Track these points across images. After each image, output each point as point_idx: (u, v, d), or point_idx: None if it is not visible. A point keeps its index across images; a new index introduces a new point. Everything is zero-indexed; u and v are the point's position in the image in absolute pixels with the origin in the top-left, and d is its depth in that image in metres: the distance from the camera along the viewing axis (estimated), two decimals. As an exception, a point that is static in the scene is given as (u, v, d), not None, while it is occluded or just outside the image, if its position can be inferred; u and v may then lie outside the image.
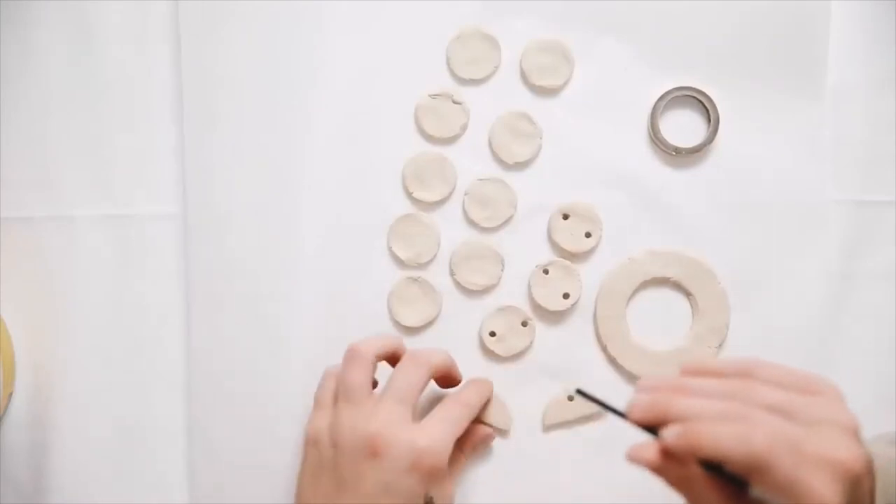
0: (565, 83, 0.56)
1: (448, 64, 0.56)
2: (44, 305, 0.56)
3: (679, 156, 0.56)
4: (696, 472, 0.37)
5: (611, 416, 0.54)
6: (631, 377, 0.56)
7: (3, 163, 0.56)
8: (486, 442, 0.55)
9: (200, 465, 0.56)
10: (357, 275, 0.56)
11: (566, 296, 0.56)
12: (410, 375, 0.49)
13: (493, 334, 0.56)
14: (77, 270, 0.57)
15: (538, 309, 0.56)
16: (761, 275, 0.56)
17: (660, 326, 0.56)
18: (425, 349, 0.51)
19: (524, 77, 0.56)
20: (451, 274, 0.56)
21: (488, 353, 0.56)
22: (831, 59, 0.55)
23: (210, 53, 0.55)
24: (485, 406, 0.54)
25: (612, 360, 0.56)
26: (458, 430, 0.49)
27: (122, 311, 0.57)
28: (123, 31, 0.56)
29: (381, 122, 0.56)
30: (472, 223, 0.56)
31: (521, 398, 0.56)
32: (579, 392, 0.44)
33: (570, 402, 0.56)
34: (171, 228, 0.56)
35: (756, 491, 0.36)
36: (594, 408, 0.55)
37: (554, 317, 0.56)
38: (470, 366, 0.55)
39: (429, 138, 0.56)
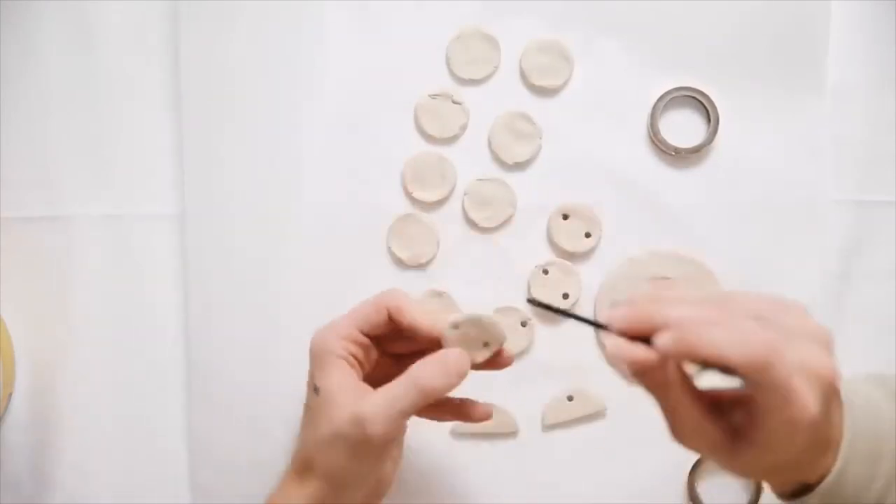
0: (565, 83, 0.56)
1: (448, 64, 0.56)
2: (44, 305, 0.56)
3: (679, 156, 0.56)
4: (677, 376, 0.37)
5: (611, 412, 0.56)
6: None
7: (3, 163, 0.56)
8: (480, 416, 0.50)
9: (201, 464, 0.56)
10: (356, 275, 0.56)
11: (566, 296, 0.56)
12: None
13: None
14: (77, 270, 0.57)
15: (538, 309, 0.55)
16: (761, 275, 0.56)
17: None
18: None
19: (524, 77, 0.56)
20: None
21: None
22: (831, 58, 0.56)
23: (209, 54, 0.55)
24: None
25: (612, 360, 0.56)
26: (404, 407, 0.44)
27: (122, 310, 0.57)
28: (123, 31, 0.56)
29: (380, 122, 0.56)
30: (471, 223, 0.56)
31: (521, 398, 0.56)
32: (531, 301, 0.43)
33: (569, 402, 0.56)
34: (171, 228, 0.56)
35: (747, 387, 0.36)
36: (594, 408, 0.55)
37: (553, 317, 0.56)
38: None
39: (428, 138, 0.56)
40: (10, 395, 0.56)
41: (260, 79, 0.56)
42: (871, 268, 0.56)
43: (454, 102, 0.56)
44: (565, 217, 0.56)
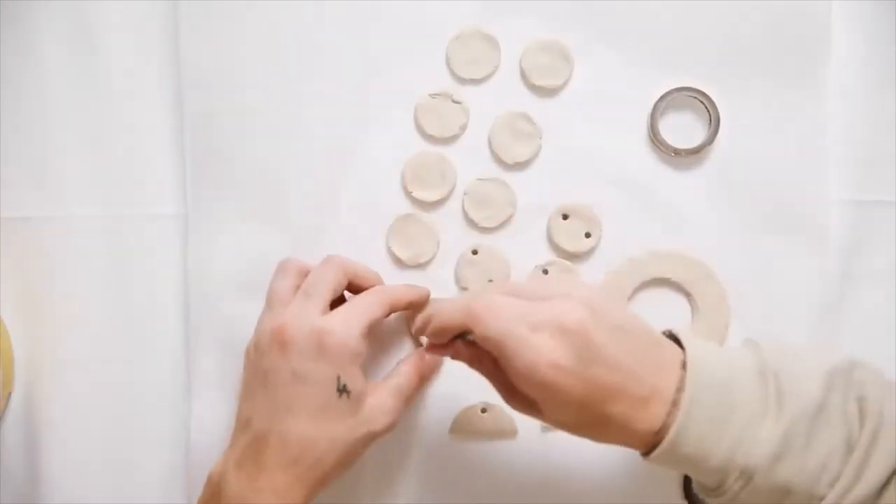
0: (565, 83, 0.56)
1: (448, 63, 0.56)
2: (43, 306, 0.56)
3: (679, 156, 0.56)
4: (456, 344, 0.46)
5: None
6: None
7: (3, 163, 0.56)
8: (432, 369, 0.55)
9: (201, 467, 0.54)
10: None
11: None
12: (320, 274, 0.50)
13: None
14: (76, 270, 0.57)
15: None
16: (761, 275, 0.56)
17: (659, 327, 0.54)
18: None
19: (524, 77, 0.56)
20: (456, 282, 0.56)
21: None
22: (833, 58, 0.55)
23: (210, 53, 0.55)
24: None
25: (612, 361, 0.56)
26: (368, 316, 0.49)
27: (122, 311, 0.57)
28: (123, 30, 0.56)
29: (380, 122, 0.56)
30: (471, 223, 0.56)
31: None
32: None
33: None
34: (171, 229, 0.56)
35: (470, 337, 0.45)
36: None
37: None
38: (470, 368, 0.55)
39: (428, 138, 0.56)
40: (10, 394, 0.56)
41: (260, 78, 0.56)
42: (872, 268, 0.56)
43: (454, 102, 0.56)
44: (565, 217, 0.56)
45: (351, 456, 0.48)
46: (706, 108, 0.56)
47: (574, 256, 0.56)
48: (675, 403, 0.41)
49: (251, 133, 0.56)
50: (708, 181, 0.56)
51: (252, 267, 0.55)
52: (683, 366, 0.42)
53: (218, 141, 0.56)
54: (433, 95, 0.56)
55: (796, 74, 0.55)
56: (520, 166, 0.56)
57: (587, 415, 0.41)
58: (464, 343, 0.46)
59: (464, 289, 0.56)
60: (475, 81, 0.56)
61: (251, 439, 0.47)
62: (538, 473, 0.56)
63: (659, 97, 0.55)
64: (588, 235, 0.56)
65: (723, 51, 0.55)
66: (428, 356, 0.52)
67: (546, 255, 0.56)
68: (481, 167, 0.56)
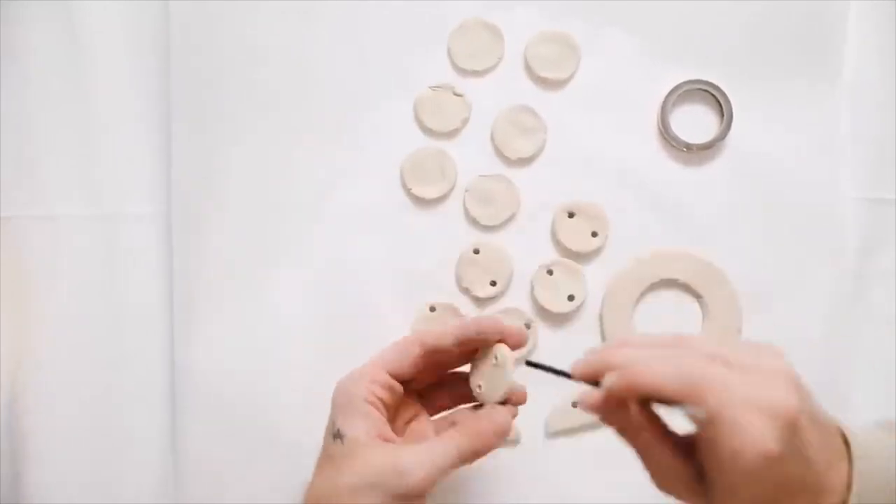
0: (571, 76, 0.56)
1: (449, 55, 0.56)
2: (27, 306, 0.56)
3: (690, 152, 0.55)
4: (634, 409, 0.39)
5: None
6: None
7: (-15, 162, 0.56)
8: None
9: (186, 472, 0.55)
10: (351, 275, 0.56)
11: (571, 298, 0.55)
12: (388, 347, 0.47)
13: None
14: (60, 270, 0.56)
15: (542, 311, 0.55)
16: (775, 276, 0.55)
17: (668, 330, 0.54)
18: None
19: (528, 69, 0.56)
20: (457, 282, 0.56)
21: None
22: (849, 51, 0.55)
23: (200, 46, 0.55)
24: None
25: (619, 365, 0.55)
26: (383, 363, 0.46)
27: (106, 311, 0.56)
28: (109, 29, 0.56)
29: (378, 116, 0.56)
30: (472, 221, 0.56)
31: (524, 404, 0.54)
32: (528, 363, 0.45)
33: (574, 409, 0.55)
34: (156, 228, 0.56)
35: (689, 411, 0.37)
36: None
37: (558, 319, 0.56)
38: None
39: (428, 132, 0.56)
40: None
41: (251, 73, 0.55)
42: (887, 267, 0.56)
43: (455, 95, 0.55)
44: (571, 215, 0.55)
45: None
46: (718, 101, 0.55)
47: (580, 256, 0.56)
48: (843, 501, 0.38)
49: (241, 129, 0.55)
50: (720, 178, 0.56)
51: (240, 268, 0.55)
52: (848, 458, 0.39)
53: (206, 138, 0.55)
54: (433, 88, 0.55)
55: (812, 67, 0.55)
56: (523, 162, 0.56)
57: None
58: (646, 412, 0.40)
59: (465, 289, 0.55)
60: (477, 73, 0.56)
61: None
62: (541, 482, 0.55)
63: (669, 90, 0.55)
64: (594, 234, 0.55)
65: (736, 42, 0.55)
66: (506, 414, 0.45)
67: (550, 255, 0.56)
68: (483, 163, 0.56)
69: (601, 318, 0.55)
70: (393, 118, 0.56)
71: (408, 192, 0.55)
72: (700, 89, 0.55)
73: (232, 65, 0.55)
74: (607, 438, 0.54)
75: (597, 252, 0.56)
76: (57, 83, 0.56)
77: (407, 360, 0.45)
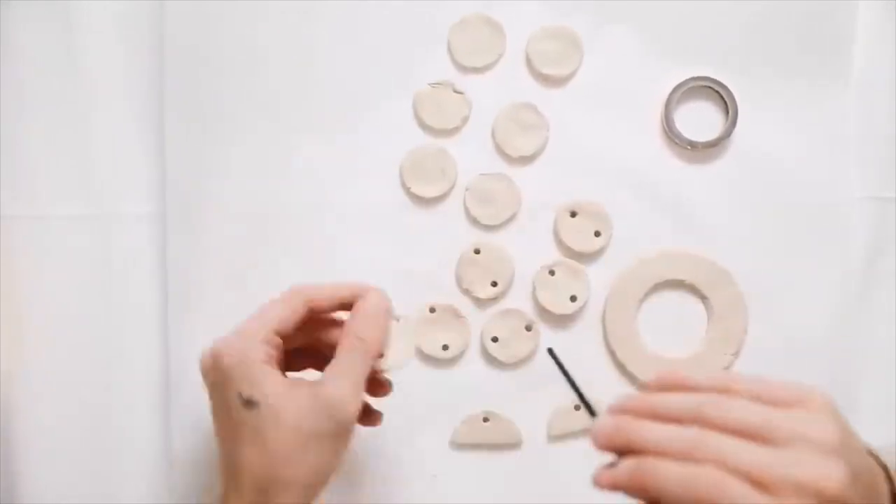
0: (574, 72, 0.55)
1: (449, 51, 0.55)
2: (18, 307, 0.56)
3: (694, 150, 0.55)
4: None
5: None
6: (641, 385, 0.55)
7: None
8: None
9: (181, 474, 0.55)
10: (349, 276, 0.54)
11: (573, 298, 0.55)
12: (268, 304, 0.46)
13: (495, 339, 0.55)
14: (54, 270, 0.56)
15: (543, 312, 0.55)
16: (781, 276, 0.55)
17: (672, 332, 0.56)
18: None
19: (530, 65, 0.55)
20: (457, 283, 0.56)
21: (490, 360, 0.55)
22: (857, 47, 0.55)
23: (195, 45, 0.55)
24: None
25: (622, 367, 0.55)
26: (270, 321, 0.45)
27: (100, 312, 0.56)
28: (105, 28, 0.56)
29: (377, 113, 0.55)
30: (473, 221, 0.55)
31: (525, 408, 0.55)
32: (550, 352, 0.45)
33: (576, 412, 0.55)
34: (151, 229, 0.56)
35: None
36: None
37: (560, 321, 0.55)
38: (471, 373, 0.55)
39: (428, 130, 0.55)
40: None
41: (248, 70, 0.55)
42: (894, 267, 0.56)
43: (455, 92, 0.55)
44: (573, 215, 0.55)
45: (327, 465, 0.43)
46: (723, 98, 0.55)
47: (582, 257, 0.55)
48: None
49: (237, 127, 0.55)
50: (725, 177, 0.55)
51: (236, 266, 0.55)
52: (893, 498, 0.38)
53: (202, 135, 0.55)
54: (433, 85, 0.55)
55: (820, 64, 0.55)
56: (525, 160, 0.55)
57: None
58: None
59: (465, 290, 0.55)
60: (478, 70, 0.55)
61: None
62: (543, 486, 0.55)
63: (674, 87, 0.55)
64: (597, 234, 0.55)
65: (741, 39, 0.55)
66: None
67: (553, 256, 0.56)
68: (484, 161, 0.56)
69: (604, 319, 0.55)
70: (392, 116, 0.55)
71: (407, 191, 0.55)
72: (705, 86, 0.55)
73: (228, 63, 0.55)
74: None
75: (600, 252, 0.55)
76: (51, 82, 0.56)
77: (293, 319, 0.45)
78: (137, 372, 0.56)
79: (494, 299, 0.55)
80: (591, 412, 0.43)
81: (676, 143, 0.55)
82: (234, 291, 0.55)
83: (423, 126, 0.55)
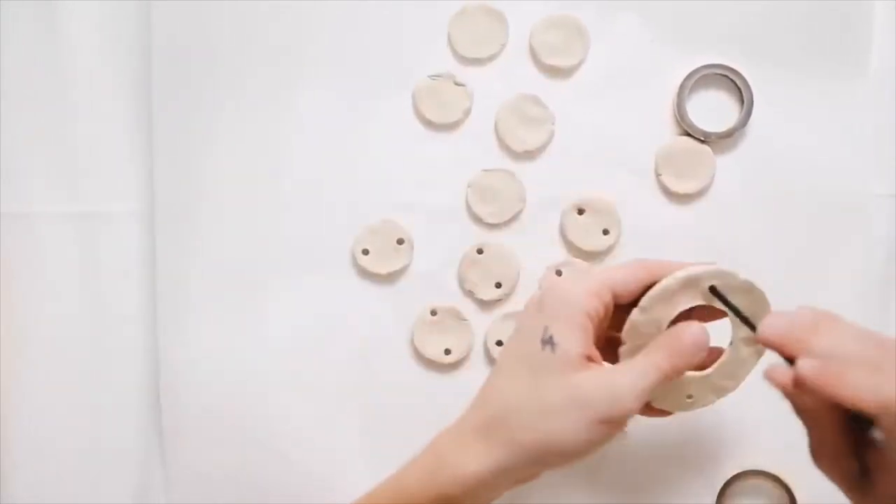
0: (579, 63, 0.55)
1: (450, 42, 0.55)
2: (3, 304, 0.56)
3: (708, 142, 0.54)
4: (825, 408, 0.38)
5: (634, 431, 0.54)
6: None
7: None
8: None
9: (174, 476, 0.55)
10: (345, 276, 0.56)
11: None
12: (615, 266, 0.47)
13: (499, 343, 0.55)
14: (40, 269, 0.56)
15: None
16: (797, 273, 0.54)
17: None
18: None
19: (534, 56, 0.55)
20: (459, 284, 0.55)
21: (494, 364, 0.54)
22: (877, 35, 0.54)
23: (183, 40, 0.55)
24: None
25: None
26: (605, 278, 0.44)
27: (87, 311, 0.56)
28: (89, 23, 0.56)
29: (375, 107, 0.55)
30: (476, 219, 0.55)
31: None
32: (713, 290, 0.44)
33: None
34: (139, 227, 0.56)
35: (878, 434, 0.37)
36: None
37: None
38: (473, 377, 0.54)
39: (428, 124, 0.55)
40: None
41: (238, 62, 0.55)
42: None
43: (456, 84, 0.55)
44: (580, 212, 0.55)
45: (563, 436, 0.42)
46: (738, 87, 0.54)
47: (590, 256, 0.55)
48: None
49: (230, 123, 0.55)
50: (740, 169, 0.55)
51: (227, 266, 0.55)
52: None
53: (190, 132, 0.55)
54: (433, 77, 0.55)
55: (837, 52, 0.54)
56: (529, 155, 0.55)
57: None
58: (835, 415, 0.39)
59: (468, 292, 0.54)
60: (480, 61, 0.55)
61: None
62: (558, 498, 0.55)
63: (686, 76, 0.54)
64: (606, 232, 0.55)
65: (757, 25, 0.54)
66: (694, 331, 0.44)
67: (559, 255, 0.55)
68: (487, 156, 0.55)
69: (614, 321, 0.54)
70: (391, 110, 0.55)
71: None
72: (719, 74, 0.54)
73: (219, 59, 0.55)
74: (627, 452, 0.54)
75: (609, 251, 0.55)
76: (37, 79, 0.56)
77: (632, 286, 0.44)
78: (126, 371, 0.56)
79: (499, 301, 0.55)
80: (752, 327, 0.44)
81: (689, 135, 0.54)
82: (223, 289, 0.55)
83: (424, 120, 0.55)
